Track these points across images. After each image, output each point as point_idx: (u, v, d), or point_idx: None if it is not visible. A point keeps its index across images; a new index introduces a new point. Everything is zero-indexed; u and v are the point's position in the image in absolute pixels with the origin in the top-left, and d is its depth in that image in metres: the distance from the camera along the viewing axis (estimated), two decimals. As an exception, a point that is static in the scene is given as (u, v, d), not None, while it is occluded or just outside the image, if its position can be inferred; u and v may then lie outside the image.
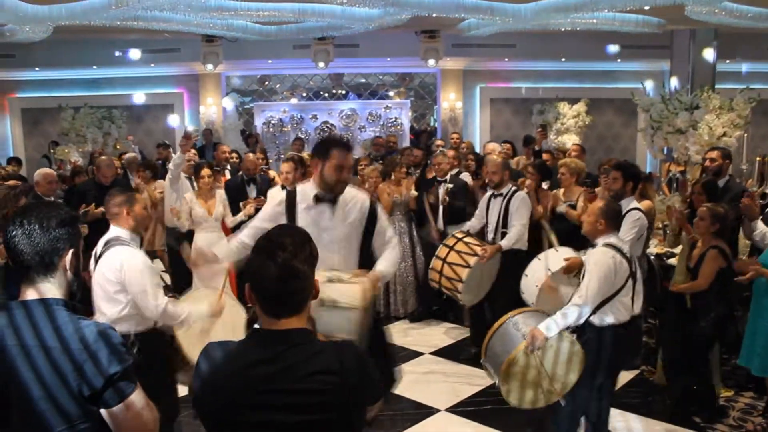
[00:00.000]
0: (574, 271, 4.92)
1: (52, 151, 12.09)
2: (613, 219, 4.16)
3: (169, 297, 3.91)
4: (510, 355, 3.99)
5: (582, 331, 4.08)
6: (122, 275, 3.63)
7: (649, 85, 10.34)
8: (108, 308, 3.69)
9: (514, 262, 5.66)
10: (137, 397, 1.96)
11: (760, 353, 4.51)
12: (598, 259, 4.01)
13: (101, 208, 5.32)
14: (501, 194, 6.10)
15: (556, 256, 5.08)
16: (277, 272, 1.87)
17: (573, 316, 3.94)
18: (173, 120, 14.75)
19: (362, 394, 1.97)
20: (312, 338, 1.96)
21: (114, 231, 3.80)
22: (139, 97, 14.78)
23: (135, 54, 13.56)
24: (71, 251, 2.04)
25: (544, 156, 9.11)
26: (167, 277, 7.19)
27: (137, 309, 3.71)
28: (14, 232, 1.98)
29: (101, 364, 1.90)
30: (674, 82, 12.20)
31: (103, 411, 1.93)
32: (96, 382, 1.89)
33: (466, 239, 5.89)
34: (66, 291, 2.04)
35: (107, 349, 1.92)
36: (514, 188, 6.10)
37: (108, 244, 3.74)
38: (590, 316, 4.01)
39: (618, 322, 4.04)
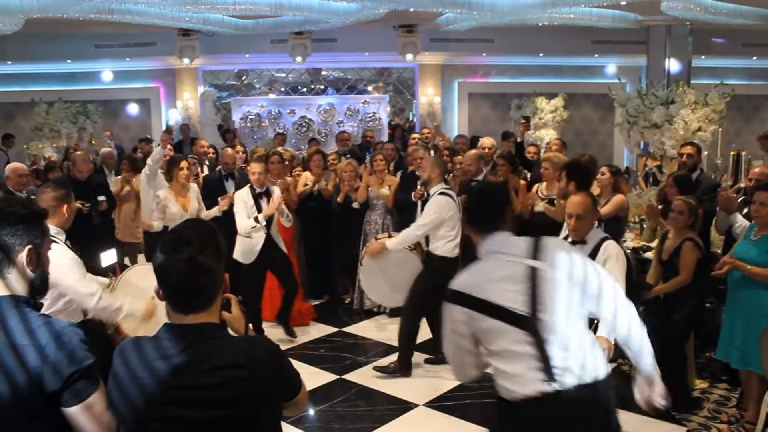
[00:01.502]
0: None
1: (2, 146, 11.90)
2: (597, 212, 4.20)
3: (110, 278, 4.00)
4: None
5: None
6: (52, 269, 3.57)
7: (611, 69, 10.40)
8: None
9: (440, 270, 5.47)
10: (97, 398, 1.90)
11: (738, 346, 4.56)
12: (619, 252, 4.03)
13: (78, 203, 5.26)
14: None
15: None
16: (182, 268, 1.86)
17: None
18: (173, 114, 14.71)
19: (272, 391, 1.94)
20: (221, 333, 1.95)
21: None
22: (132, 108, 14.74)
23: (107, 76, 13.62)
24: (29, 247, 1.99)
25: (530, 149, 9.08)
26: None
27: (66, 304, 3.68)
28: None
29: (57, 364, 1.84)
30: (651, 77, 12.31)
31: (69, 409, 1.88)
32: (54, 383, 1.84)
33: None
34: (25, 288, 1.99)
35: (64, 349, 1.86)
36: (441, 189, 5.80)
37: None
38: None
39: None
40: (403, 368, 5.69)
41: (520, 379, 2.46)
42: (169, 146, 6.99)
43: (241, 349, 1.91)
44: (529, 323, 2.44)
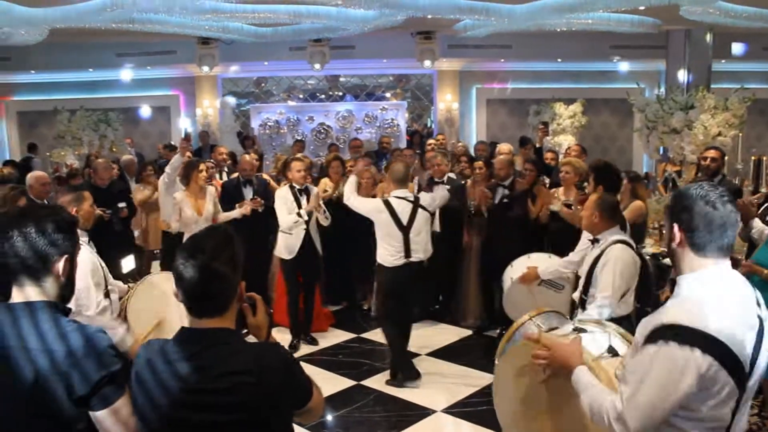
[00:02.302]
0: (529, 281, 5.05)
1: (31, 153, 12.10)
2: (608, 212, 4.15)
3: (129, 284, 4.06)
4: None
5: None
6: None
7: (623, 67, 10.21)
8: None
9: (382, 277, 5.73)
10: (123, 403, 1.94)
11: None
12: (618, 255, 4.01)
13: (99, 210, 5.34)
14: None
15: (542, 260, 5.12)
16: (195, 274, 1.91)
17: (608, 310, 3.94)
18: (183, 123, 14.84)
19: (282, 397, 1.96)
20: (234, 339, 1.98)
21: None
22: (145, 110, 14.87)
23: (126, 75, 13.72)
24: (66, 256, 2.03)
25: (548, 155, 9.06)
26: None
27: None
28: (10, 235, 1.96)
29: (86, 369, 1.88)
30: (670, 83, 12.23)
31: (96, 413, 1.92)
32: (82, 388, 1.88)
33: None
34: (57, 295, 2.03)
35: (93, 354, 1.90)
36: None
37: None
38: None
39: (617, 317, 4.03)
40: (409, 376, 5.67)
41: None
42: (188, 153, 7.05)
43: (253, 355, 1.94)
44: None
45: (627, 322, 4.00)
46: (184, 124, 14.94)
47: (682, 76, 12.57)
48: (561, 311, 4.18)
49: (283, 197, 6.36)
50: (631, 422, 1.96)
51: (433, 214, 5.83)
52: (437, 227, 7.05)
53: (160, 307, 3.78)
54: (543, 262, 5.07)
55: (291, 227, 6.30)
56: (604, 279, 4.00)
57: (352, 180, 5.83)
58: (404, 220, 5.46)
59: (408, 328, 5.84)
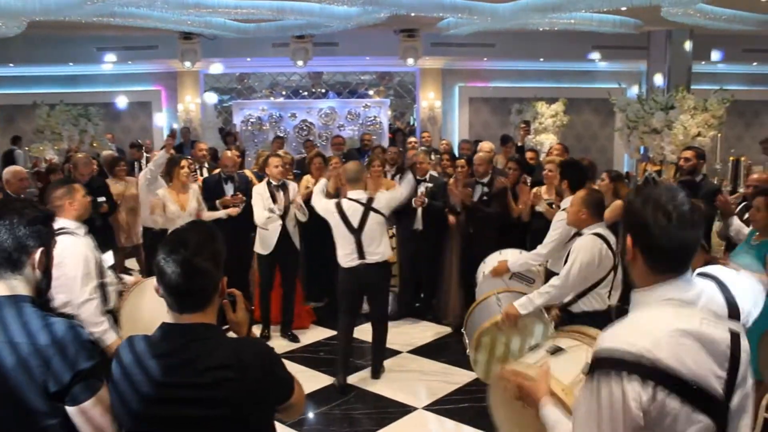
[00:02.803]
0: (500, 275, 5.06)
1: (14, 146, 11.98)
2: (594, 207, 4.17)
3: (117, 283, 4.02)
4: (483, 324, 4.10)
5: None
6: (61, 260, 3.60)
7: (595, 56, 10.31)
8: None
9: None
10: (98, 400, 1.93)
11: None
12: (584, 245, 4.02)
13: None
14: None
15: (514, 255, 5.18)
16: (177, 269, 1.91)
17: (548, 296, 3.98)
18: (159, 119, 14.69)
19: (263, 393, 1.96)
20: (215, 334, 1.97)
21: (59, 222, 3.79)
22: (121, 101, 14.67)
23: (110, 57, 13.52)
24: (41, 249, 2.03)
25: (529, 154, 9.09)
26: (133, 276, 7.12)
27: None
28: None
29: (70, 358, 1.88)
30: (660, 79, 12.33)
31: (69, 408, 1.90)
32: (64, 377, 1.87)
33: None
34: (32, 288, 2.02)
35: (76, 344, 1.91)
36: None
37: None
38: (570, 305, 4.05)
39: (592, 310, 4.06)
40: (338, 380, 5.57)
41: None
42: (172, 151, 7.00)
43: (233, 350, 1.93)
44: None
45: (603, 318, 4.03)
46: (160, 121, 14.80)
47: (663, 76, 12.69)
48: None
49: (259, 193, 6.39)
50: None
51: (386, 216, 5.58)
52: (419, 225, 7.07)
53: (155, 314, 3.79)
54: (513, 257, 5.14)
55: (265, 223, 6.31)
56: (565, 266, 4.04)
57: (321, 182, 5.91)
58: (355, 223, 5.37)
59: (350, 330, 5.70)
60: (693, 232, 1.76)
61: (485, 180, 6.71)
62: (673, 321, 1.68)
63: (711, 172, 9.07)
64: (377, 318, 5.77)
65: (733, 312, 1.91)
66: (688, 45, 12.57)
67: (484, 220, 6.53)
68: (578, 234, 4.25)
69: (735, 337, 1.74)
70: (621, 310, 4.37)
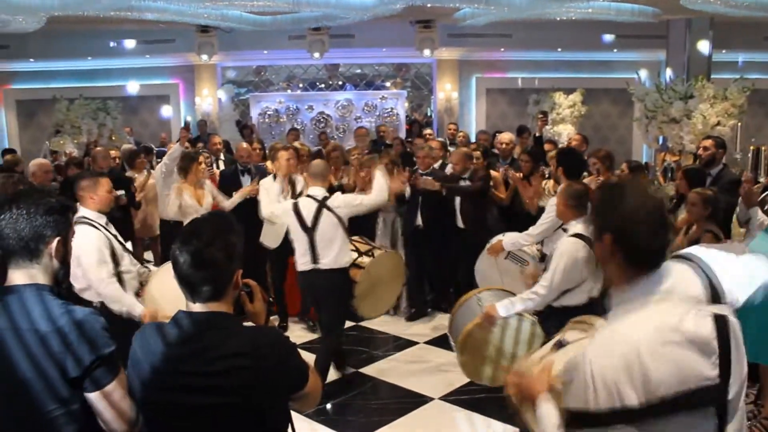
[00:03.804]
0: (495, 253, 5.37)
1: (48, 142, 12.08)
2: (573, 200, 4.10)
3: (139, 268, 4.25)
4: (466, 327, 4.15)
5: (540, 311, 4.15)
6: (77, 247, 3.69)
7: (643, 74, 10.33)
8: (75, 282, 3.92)
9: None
10: (116, 386, 1.96)
11: (751, 340, 4.52)
12: (566, 250, 3.99)
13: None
14: None
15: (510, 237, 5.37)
16: (189, 259, 1.93)
17: (533, 303, 4.00)
18: (167, 111, 14.78)
19: (277, 381, 1.97)
20: (230, 322, 1.99)
21: (81, 211, 3.93)
22: (132, 86, 14.74)
23: (130, 43, 13.58)
24: (57, 239, 2.05)
25: (547, 146, 9.00)
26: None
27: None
28: (2, 217, 1.99)
29: (91, 343, 1.92)
30: (669, 72, 12.20)
31: (90, 394, 1.95)
32: (75, 370, 1.91)
33: None
34: (50, 277, 2.05)
35: (96, 330, 1.95)
36: None
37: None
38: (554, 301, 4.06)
39: (572, 305, 4.03)
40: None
41: None
42: (187, 144, 7.04)
43: (248, 339, 1.95)
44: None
45: (583, 312, 3.98)
46: (167, 113, 14.92)
47: (682, 66, 12.54)
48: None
49: (265, 188, 6.21)
50: None
51: (341, 219, 5.07)
52: (420, 223, 6.95)
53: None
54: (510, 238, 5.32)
55: (271, 216, 6.07)
56: (547, 274, 4.02)
57: (266, 187, 6.02)
58: (308, 220, 5.01)
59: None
60: (668, 230, 1.81)
61: (466, 176, 6.78)
62: (654, 334, 1.66)
63: (731, 161, 8.97)
64: (325, 328, 5.38)
65: (715, 294, 1.88)
66: (708, 34, 12.40)
67: (483, 205, 6.75)
68: (564, 229, 4.26)
69: (720, 319, 1.77)
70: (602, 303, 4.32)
